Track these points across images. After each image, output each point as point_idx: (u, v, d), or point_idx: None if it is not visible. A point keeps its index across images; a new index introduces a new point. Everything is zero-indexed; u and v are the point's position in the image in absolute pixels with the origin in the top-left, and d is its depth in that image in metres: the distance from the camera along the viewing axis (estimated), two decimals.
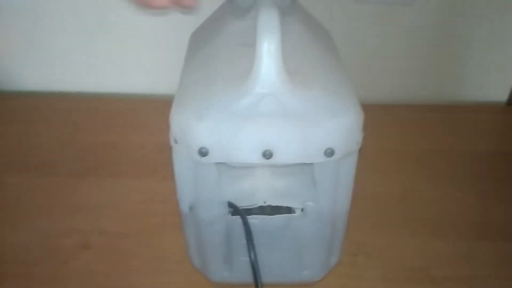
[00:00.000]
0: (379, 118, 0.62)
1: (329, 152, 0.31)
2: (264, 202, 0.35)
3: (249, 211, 0.35)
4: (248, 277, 0.36)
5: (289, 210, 0.36)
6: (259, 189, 0.36)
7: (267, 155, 0.31)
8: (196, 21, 0.42)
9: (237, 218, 0.35)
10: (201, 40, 0.39)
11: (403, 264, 0.44)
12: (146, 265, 0.44)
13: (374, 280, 0.43)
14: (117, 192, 0.51)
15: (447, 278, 0.43)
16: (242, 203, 0.35)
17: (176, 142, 0.32)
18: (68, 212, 0.49)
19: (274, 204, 0.35)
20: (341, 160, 0.32)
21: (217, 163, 0.32)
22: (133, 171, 0.54)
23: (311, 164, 0.32)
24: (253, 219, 0.35)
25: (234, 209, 0.35)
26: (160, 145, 0.51)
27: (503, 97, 0.68)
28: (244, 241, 0.35)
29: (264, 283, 0.35)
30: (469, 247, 0.46)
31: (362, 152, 0.53)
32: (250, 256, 0.35)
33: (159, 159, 0.53)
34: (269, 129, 0.30)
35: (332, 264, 0.41)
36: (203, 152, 0.31)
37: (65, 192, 0.51)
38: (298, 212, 0.36)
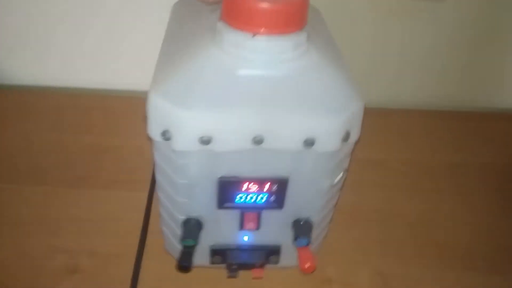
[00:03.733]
0: (406, 124, 0.57)
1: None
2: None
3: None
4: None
5: None
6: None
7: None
8: None
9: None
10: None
11: None
12: None
13: None
14: (112, 205, 0.45)
15: None
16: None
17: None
18: (55, 228, 0.43)
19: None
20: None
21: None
22: (131, 182, 0.47)
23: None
24: None
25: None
26: None
27: None
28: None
29: None
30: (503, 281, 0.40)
31: (388, 164, 0.51)
32: None
33: None
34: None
35: None
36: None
37: (53, 204, 0.45)
38: None
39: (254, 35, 0.25)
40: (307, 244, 0.34)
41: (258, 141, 0.29)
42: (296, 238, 0.34)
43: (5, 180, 0.47)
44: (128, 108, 0.58)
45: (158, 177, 0.33)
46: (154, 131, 0.29)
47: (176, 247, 0.36)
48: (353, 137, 0.31)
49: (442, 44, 0.58)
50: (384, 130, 0.56)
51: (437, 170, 0.51)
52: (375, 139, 0.53)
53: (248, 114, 0.28)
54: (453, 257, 0.42)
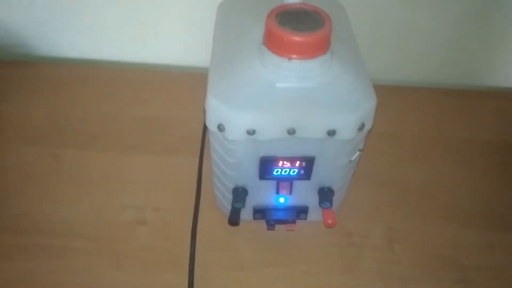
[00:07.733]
0: (416, 101, 0.62)
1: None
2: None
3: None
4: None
5: None
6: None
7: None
8: None
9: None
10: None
11: (435, 252, 0.47)
12: (200, 242, 0.45)
13: (408, 266, 0.45)
14: (167, 169, 0.52)
15: (474, 267, 0.45)
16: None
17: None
18: (122, 188, 0.51)
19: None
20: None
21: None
22: (180, 149, 0.54)
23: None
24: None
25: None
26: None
27: None
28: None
29: None
30: (496, 238, 0.48)
31: (400, 137, 0.57)
32: None
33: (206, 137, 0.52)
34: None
35: None
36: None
37: (116, 167, 0.52)
38: None
39: (289, 59, 0.33)
40: (330, 206, 0.43)
41: (291, 132, 0.37)
42: (320, 201, 0.43)
43: (72, 146, 0.55)
44: (172, 82, 0.64)
45: (213, 155, 0.42)
46: (212, 124, 0.38)
47: (226, 206, 0.45)
48: (367, 127, 0.38)
49: (450, 27, 0.61)
50: (397, 106, 0.61)
51: (444, 144, 0.57)
52: (389, 114, 0.59)
53: (283, 113, 0.36)
54: (452, 216, 0.49)
